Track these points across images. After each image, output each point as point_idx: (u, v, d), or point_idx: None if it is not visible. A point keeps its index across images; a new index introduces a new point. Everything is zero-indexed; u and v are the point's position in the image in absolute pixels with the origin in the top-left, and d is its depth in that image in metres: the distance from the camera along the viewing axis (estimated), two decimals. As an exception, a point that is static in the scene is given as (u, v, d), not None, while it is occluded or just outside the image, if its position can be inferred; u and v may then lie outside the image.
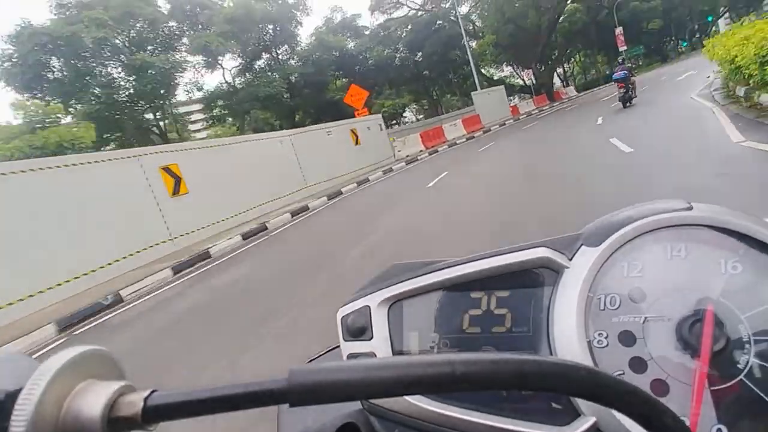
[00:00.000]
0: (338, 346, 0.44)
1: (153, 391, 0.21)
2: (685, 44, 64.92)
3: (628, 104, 12.13)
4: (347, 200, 11.19)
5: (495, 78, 41.71)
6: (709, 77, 14.04)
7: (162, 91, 25.55)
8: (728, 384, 0.30)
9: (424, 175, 10.82)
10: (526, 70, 32.30)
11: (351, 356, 0.42)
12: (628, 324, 0.33)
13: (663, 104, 10.76)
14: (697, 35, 71.75)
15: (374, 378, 0.19)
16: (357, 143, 17.15)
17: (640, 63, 53.99)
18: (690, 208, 0.34)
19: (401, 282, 0.41)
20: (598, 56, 47.41)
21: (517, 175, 7.23)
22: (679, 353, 0.32)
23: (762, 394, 0.30)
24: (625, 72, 11.73)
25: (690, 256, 0.33)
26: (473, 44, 36.50)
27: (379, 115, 20.17)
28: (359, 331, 0.42)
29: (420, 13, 36.57)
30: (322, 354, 0.57)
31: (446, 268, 0.40)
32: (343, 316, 0.43)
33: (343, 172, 15.81)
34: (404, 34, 36.85)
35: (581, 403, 0.33)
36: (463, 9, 36.07)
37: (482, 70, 40.27)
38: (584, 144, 8.42)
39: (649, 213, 0.35)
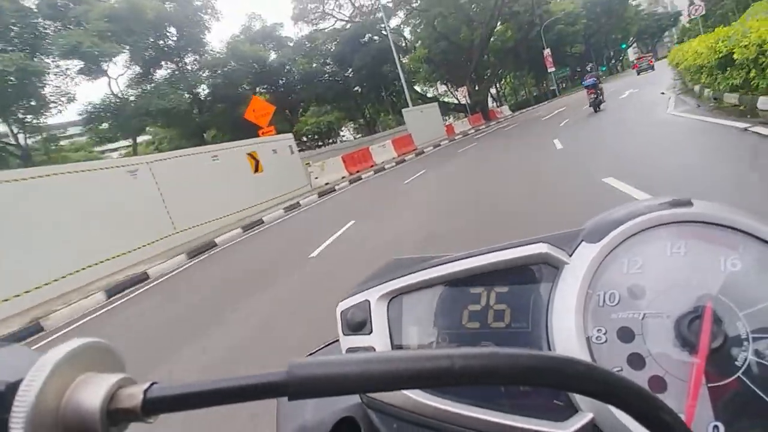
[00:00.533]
0: (337, 341, 0.43)
1: (153, 384, 0.21)
2: (603, 68, 69.86)
3: (598, 109, 12.51)
4: (211, 261, 7.38)
5: (429, 95, 39.99)
6: (663, 93, 12.32)
7: (11, 101, 19.88)
8: (726, 381, 0.30)
9: (322, 226, 7.36)
10: (460, 88, 30.61)
11: (350, 350, 0.41)
12: (627, 320, 0.33)
13: (643, 124, 8.24)
14: (613, 61, 77.50)
15: (373, 372, 0.19)
16: (257, 170, 13.39)
17: (564, 85, 55.99)
18: (690, 205, 0.34)
19: (401, 277, 0.41)
20: (527, 77, 47.84)
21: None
22: (677, 350, 0.31)
23: (760, 392, 0.30)
24: (595, 79, 12.32)
25: (690, 253, 0.33)
26: (405, 59, 34.41)
27: (290, 135, 16.57)
28: (359, 325, 0.41)
29: (348, 25, 33.87)
30: (321, 348, 0.55)
31: (446, 263, 0.39)
32: (342, 311, 0.42)
33: (235, 210, 11.93)
34: (332, 48, 33.91)
35: (579, 399, 0.32)
36: (393, 22, 33.97)
37: (416, 88, 38.40)
38: (557, 186, 5.44)
39: (650, 209, 0.34)
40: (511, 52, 40.84)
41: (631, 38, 73.59)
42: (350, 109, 37.99)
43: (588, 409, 0.32)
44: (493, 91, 46.09)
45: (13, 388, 0.19)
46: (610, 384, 0.21)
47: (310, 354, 0.54)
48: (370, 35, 32.79)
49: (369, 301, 0.41)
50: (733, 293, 0.31)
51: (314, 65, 33.57)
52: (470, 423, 0.33)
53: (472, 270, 0.38)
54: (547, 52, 41.24)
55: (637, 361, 0.32)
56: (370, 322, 0.40)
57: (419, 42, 34.81)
